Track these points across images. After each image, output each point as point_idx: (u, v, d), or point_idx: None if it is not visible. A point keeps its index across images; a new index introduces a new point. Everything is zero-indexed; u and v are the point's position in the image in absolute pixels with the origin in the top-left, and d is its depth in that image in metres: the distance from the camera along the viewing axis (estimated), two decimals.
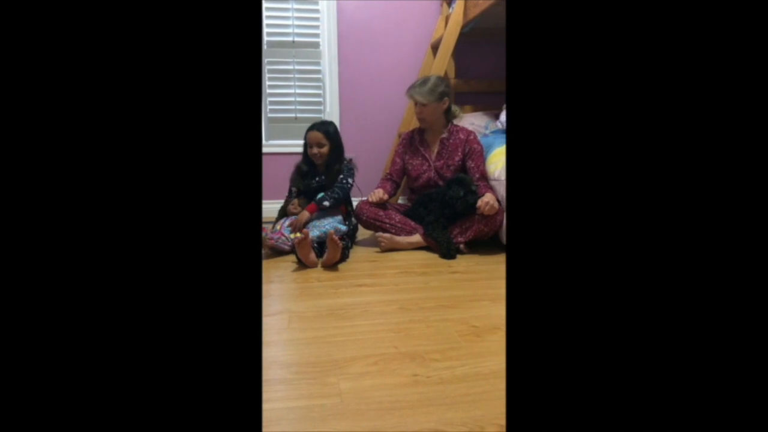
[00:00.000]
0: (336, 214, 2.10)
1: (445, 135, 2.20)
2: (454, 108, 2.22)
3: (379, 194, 2.14)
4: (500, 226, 2.00)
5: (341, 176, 2.16)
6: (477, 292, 1.50)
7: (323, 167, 2.21)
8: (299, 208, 2.10)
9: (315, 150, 2.17)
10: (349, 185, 2.15)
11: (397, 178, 2.31)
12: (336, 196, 2.08)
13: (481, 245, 2.05)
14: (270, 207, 2.67)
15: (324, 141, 2.16)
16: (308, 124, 2.26)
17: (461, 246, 2.00)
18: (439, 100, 2.14)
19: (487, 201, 1.91)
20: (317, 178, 2.20)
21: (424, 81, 2.18)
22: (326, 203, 2.06)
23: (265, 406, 0.84)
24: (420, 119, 2.21)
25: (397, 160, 2.32)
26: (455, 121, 2.27)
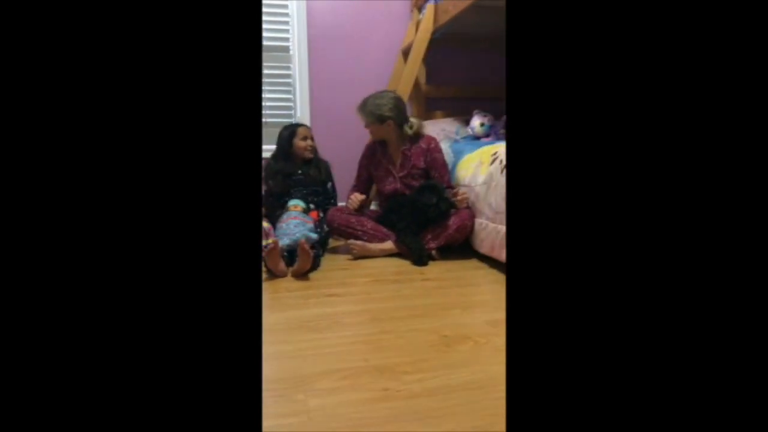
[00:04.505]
0: (308, 222, 2.07)
1: (406, 146, 2.20)
2: (409, 126, 2.16)
3: (357, 197, 2.15)
4: (471, 231, 2.00)
5: (329, 184, 2.33)
6: (448, 300, 1.50)
7: (302, 162, 2.29)
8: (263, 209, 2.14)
9: (309, 142, 2.29)
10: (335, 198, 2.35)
11: (365, 189, 2.31)
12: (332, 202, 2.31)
13: (452, 251, 2.06)
14: None
15: (311, 135, 2.33)
16: (278, 129, 2.32)
17: (433, 252, 2.00)
18: (379, 123, 2.12)
19: (464, 192, 1.98)
20: (298, 171, 2.28)
21: (375, 97, 2.15)
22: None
23: None
24: (370, 133, 2.23)
25: (362, 172, 2.32)
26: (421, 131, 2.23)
